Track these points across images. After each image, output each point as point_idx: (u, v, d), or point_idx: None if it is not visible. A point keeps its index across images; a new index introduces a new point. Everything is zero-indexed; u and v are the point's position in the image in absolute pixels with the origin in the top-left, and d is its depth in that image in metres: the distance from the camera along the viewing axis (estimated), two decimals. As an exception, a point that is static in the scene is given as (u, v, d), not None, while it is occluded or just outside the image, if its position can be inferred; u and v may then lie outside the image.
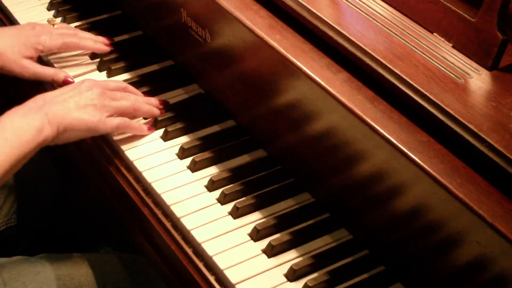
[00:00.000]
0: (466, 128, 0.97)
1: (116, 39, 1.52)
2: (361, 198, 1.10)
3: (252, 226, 1.15)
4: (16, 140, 1.15)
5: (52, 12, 1.58)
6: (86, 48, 1.44)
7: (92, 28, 1.54)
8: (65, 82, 1.38)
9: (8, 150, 1.14)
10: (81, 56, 1.47)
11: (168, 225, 1.18)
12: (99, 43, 1.45)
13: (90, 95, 1.24)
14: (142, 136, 1.30)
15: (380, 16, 1.16)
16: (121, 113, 1.28)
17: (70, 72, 1.42)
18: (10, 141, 1.14)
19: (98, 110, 1.24)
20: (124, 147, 1.29)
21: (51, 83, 1.40)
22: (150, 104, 1.33)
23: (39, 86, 1.41)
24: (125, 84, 1.34)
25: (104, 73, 1.44)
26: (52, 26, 1.44)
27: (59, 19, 1.56)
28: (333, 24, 1.12)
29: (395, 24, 1.14)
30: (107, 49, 1.45)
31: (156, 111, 1.33)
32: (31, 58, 1.38)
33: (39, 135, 1.17)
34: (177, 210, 1.18)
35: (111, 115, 1.26)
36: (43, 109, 1.19)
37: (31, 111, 1.19)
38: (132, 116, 1.31)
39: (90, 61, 1.46)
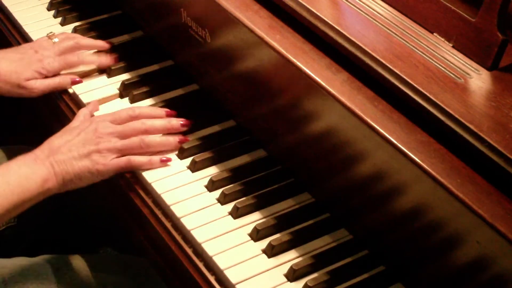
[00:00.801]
0: (466, 128, 0.97)
1: (116, 39, 1.52)
2: (361, 198, 1.10)
3: (252, 226, 1.15)
4: (19, 187, 1.16)
5: (52, 12, 1.58)
6: (91, 63, 1.44)
7: (92, 28, 1.54)
8: (74, 83, 1.40)
9: (9, 195, 1.16)
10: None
11: (168, 225, 1.18)
12: (102, 56, 1.45)
13: (94, 140, 1.23)
14: None
15: (380, 16, 1.16)
16: (130, 151, 1.25)
17: (71, 75, 1.43)
18: (12, 187, 1.16)
19: (102, 155, 1.23)
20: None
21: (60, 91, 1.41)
22: (170, 127, 1.29)
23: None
24: (138, 111, 1.30)
25: (104, 74, 1.44)
26: (52, 42, 1.44)
27: (59, 19, 1.56)
28: (333, 24, 1.12)
29: (395, 24, 1.14)
30: (110, 62, 1.44)
31: (173, 142, 1.28)
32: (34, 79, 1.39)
33: (42, 186, 1.19)
34: (177, 210, 1.18)
35: (118, 156, 1.24)
36: (49, 159, 1.20)
37: (38, 161, 1.20)
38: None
39: (90, 61, 1.47)
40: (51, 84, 1.40)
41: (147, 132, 1.27)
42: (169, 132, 1.29)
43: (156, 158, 1.25)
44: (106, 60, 1.44)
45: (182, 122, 1.30)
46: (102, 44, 1.48)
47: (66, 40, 1.45)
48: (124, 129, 1.26)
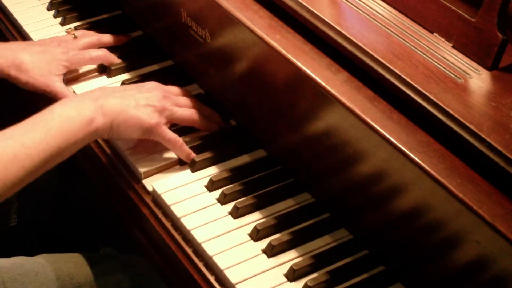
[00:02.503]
0: (466, 128, 0.97)
1: (116, 39, 1.53)
2: (361, 198, 1.10)
3: (252, 226, 1.15)
4: (59, 129, 1.12)
5: (52, 12, 1.58)
6: (114, 62, 1.44)
7: (92, 28, 1.54)
8: None
9: (50, 140, 1.10)
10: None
11: (168, 225, 1.18)
12: (113, 56, 1.44)
13: (152, 96, 1.22)
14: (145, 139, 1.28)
15: (380, 16, 1.16)
16: (180, 121, 1.26)
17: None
18: (53, 131, 1.11)
19: (157, 112, 1.21)
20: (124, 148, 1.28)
21: None
22: (212, 119, 1.31)
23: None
24: (189, 93, 1.32)
25: (105, 74, 1.44)
26: (73, 37, 1.43)
27: (59, 19, 1.56)
28: (333, 24, 1.12)
29: (395, 24, 1.14)
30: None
31: (214, 127, 1.31)
32: (59, 75, 1.37)
33: (88, 126, 1.15)
34: (177, 210, 1.18)
35: (169, 122, 1.24)
36: (99, 100, 1.17)
37: (86, 99, 1.17)
38: None
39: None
40: (64, 93, 1.36)
41: (192, 122, 1.28)
42: (206, 131, 1.31)
43: (193, 155, 1.25)
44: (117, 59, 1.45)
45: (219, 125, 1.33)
46: (122, 38, 1.48)
47: (88, 36, 1.45)
48: (177, 100, 1.27)
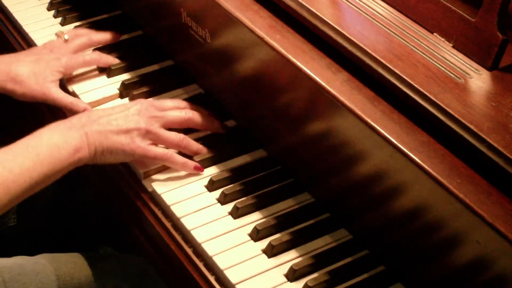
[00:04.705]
0: (466, 128, 0.97)
1: (116, 39, 1.53)
2: (361, 198, 1.10)
3: (252, 226, 1.15)
4: (48, 157, 1.13)
5: (52, 12, 1.58)
6: (107, 64, 1.43)
7: (92, 28, 1.53)
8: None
9: (37, 167, 1.12)
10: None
11: (168, 225, 1.18)
12: (110, 58, 1.44)
13: (136, 119, 1.22)
14: None
15: (380, 16, 1.16)
16: (165, 143, 1.24)
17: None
18: (41, 157, 1.13)
19: (140, 136, 1.21)
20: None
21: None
22: (210, 126, 1.29)
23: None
24: (185, 104, 1.30)
25: (104, 74, 1.44)
26: (64, 40, 1.42)
27: (59, 19, 1.56)
28: (333, 24, 1.12)
29: (395, 24, 1.14)
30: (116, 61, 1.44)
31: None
32: (55, 81, 1.36)
33: (74, 155, 1.16)
34: (177, 210, 1.18)
35: (154, 144, 1.23)
36: (84, 128, 1.18)
37: (72, 128, 1.17)
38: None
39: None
40: (64, 99, 1.35)
41: (188, 122, 1.27)
42: (207, 130, 1.30)
43: (191, 163, 1.23)
44: (114, 60, 1.44)
45: (221, 126, 1.31)
46: (113, 36, 1.47)
47: (79, 37, 1.44)
48: (167, 115, 1.25)
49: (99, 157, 1.19)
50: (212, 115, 1.32)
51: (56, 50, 1.40)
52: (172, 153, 1.23)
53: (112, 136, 1.19)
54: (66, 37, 1.43)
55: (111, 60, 1.44)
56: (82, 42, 1.43)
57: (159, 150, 1.23)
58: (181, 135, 1.25)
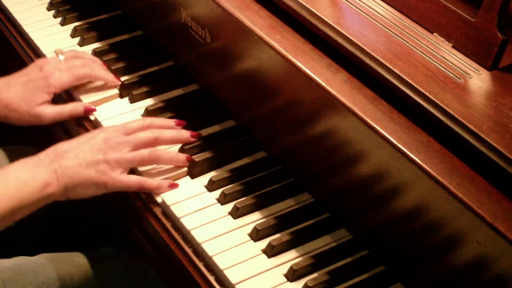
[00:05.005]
0: (466, 128, 0.97)
1: (116, 39, 1.53)
2: (361, 198, 1.10)
3: (252, 226, 1.15)
4: (16, 192, 1.13)
5: (52, 12, 1.58)
6: (99, 78, 1.39)
7: (92, 28, 1.54)
8: (87, 111, 1.35)
9: (4, 200, 1.12)
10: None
11: (168, 225, 1.18)
12: (110, 74, 1.40)
13: (103, 150, 1.19)
14: None
15: (380, 16, 1.16)
16: (139, 163, 1.22)
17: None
18: (9, 192, 1.12)
19: (110, 166, 1.19)
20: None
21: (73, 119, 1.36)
22: (179, 138, 1.27)
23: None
24: (149, 121, 1.27)
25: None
26: (59, 58, 1.38)
27: (59, 19, 1.56)
28: (333, 24, 1.12)
29: (395, 24, 1.14)
30: (117, 81, 1.40)
31: (181, 158, 1.24)
32: (45, 102, 1.33)
33: (43, 190, 1.15)
34: (177, 210, 1.18)
35: (126, 171, 1.21)
36: (53, 164, 1.16)
37: (41, 164, 1.16)
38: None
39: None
40: (62, 112, 1.34)
41: (156, 141, 1.24)
42: (178, 143, 1.28)
43: (165, 183, 1.21)
44: (113, 79, 1.40)
45: (191, 133, 1.28)
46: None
47: (75, 59, 1.40)
48: (133, 139, 1.22)
49: (71, 192, 1.18)
50: (181, 124, 1.30)
51: (46, 67, 1.36)
52: (145, 179, 1.21)
53: (82, 171, 1.17)
54: (61, 57, 1.38)
55: (103, 75, 1.39)
56: (75, 63, 1.38)
57: (132, 179, 1.20)
58: (150, 149, 1.22)
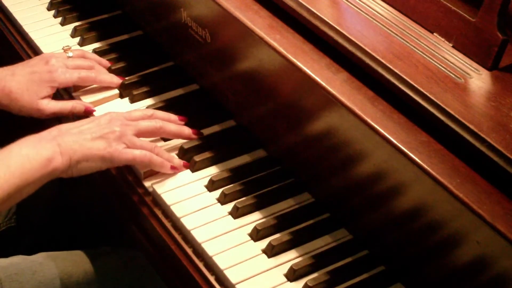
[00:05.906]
0: (466, 128, 0.97)
1: (116, 39, 1.52)
2: (361, 198, 1.10)
3: (252, 226, 1.15)
4: (20, 168, 1.11)
5: (52, 12, 1.58)
6: (103, 83, 1.39)
7: (92, 28, 1.54)
8: (87, 112, 1.35)
9: (8, 178, 1.10)
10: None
11: (168, 225, 1.18)
12: (115, 77, 1.40)
13: (108, 126, 1.19)
14: None
15: (380, 16, 1.16)
16: (141, 147, 1.22)
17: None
18: (12, 169, 1.10)
19: (114, 140, 1.18)
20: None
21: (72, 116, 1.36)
22: (181, 133, 1.27)
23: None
24: (152, 111, 1.28)
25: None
26: (66, 54, 1.38)
27: (59, 19, 1.56)
28: (333, 24, 1.12)
29: (395, 24, 1.14)
30: (119, 81, 1.40)
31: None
32: (47, 96, 1.34)
33: (47, 165, 1.13)
34: (177, 210, 1.18)
35: (129, 146, 1.20)
36: (56, 139, 1.15)
37: (43, 140, 1.15)
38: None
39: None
40: (64, 109, 1.34)
41: (159, 131, 1.25)
42: (179, 138, 1.28)
43: (167, 164, 1.22)
44: (118, 82, 1.40)
45: (193, 131, 1.28)
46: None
47: (82, 59, 1.40)
48: (138, 125, 1.23)
49: (75, 166, 1.17)
50: (184, 120, 1.30)
51: (52, 61, 1.36)
52: (151, 154, 1.21)
53: (87, 143, 1.17)
54: (70, 54, 1.39)
55: (108, 79, 1.39)
56: (83, 63, 1.39)
57: (137, 151, 1.20)
58: (154, 144, 1.24)
